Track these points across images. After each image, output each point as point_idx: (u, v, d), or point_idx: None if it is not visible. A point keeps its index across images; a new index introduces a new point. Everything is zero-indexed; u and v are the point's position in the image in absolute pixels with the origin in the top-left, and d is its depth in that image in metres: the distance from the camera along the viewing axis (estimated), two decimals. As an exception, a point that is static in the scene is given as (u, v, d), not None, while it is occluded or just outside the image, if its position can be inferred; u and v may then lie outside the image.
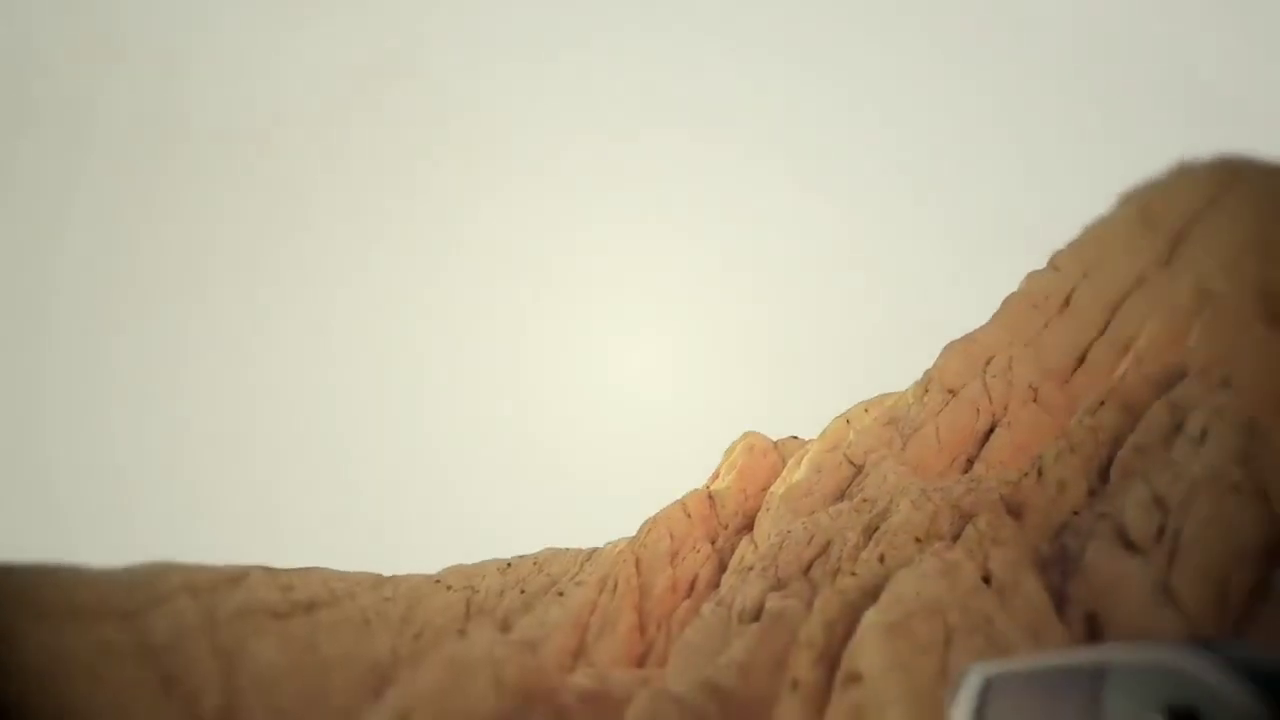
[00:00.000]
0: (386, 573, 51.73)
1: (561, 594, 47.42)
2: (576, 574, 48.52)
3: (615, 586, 42.04)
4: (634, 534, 44.06)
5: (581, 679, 36.52)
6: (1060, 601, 29.45)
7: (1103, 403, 35.30)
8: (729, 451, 47.10)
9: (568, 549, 51.69)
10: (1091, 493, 33.21)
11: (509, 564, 51.42)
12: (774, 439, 46.92)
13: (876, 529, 31.27)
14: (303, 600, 47.92)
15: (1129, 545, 30.13)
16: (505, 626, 45.58)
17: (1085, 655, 6.63)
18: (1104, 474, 33.75)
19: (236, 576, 48.80)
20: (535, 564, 51.13)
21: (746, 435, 47.17)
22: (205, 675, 43.87)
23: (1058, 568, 30.59)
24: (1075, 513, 32.49)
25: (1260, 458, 31.08)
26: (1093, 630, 29.25)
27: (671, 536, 42.32)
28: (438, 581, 50.39)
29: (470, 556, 57.40)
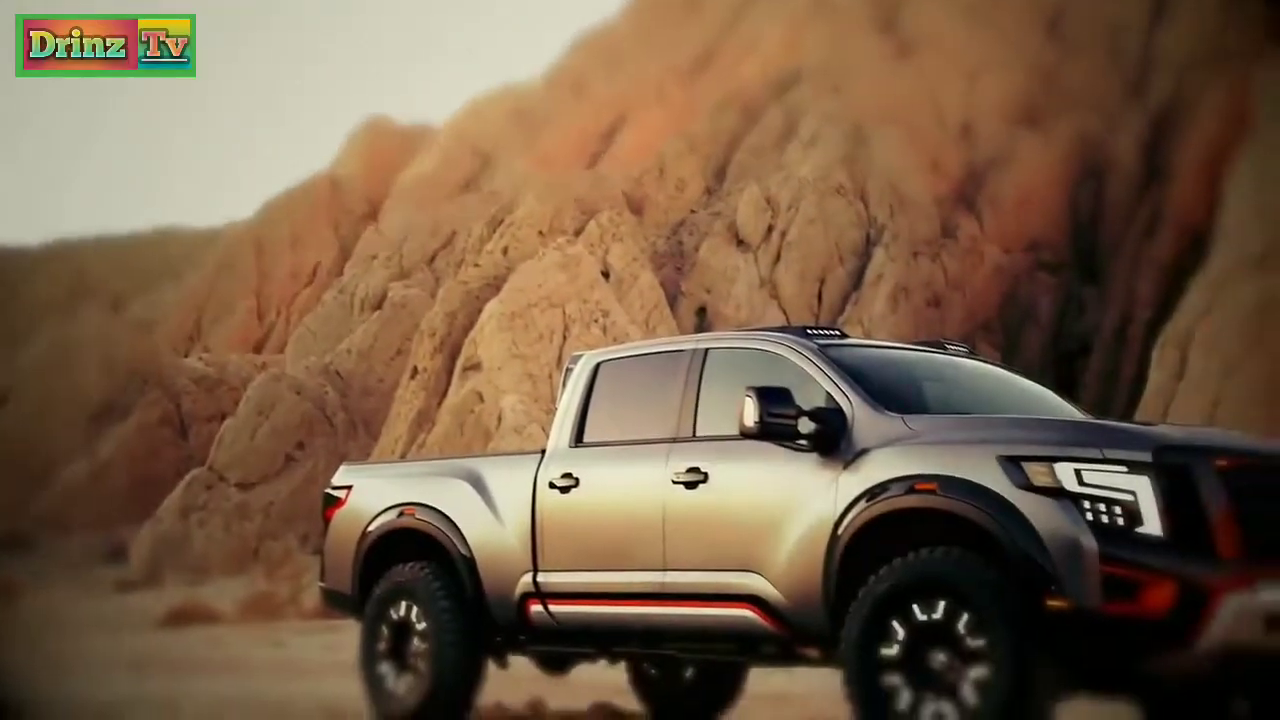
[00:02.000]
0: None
1: (177, 276, 46.12)
2: (193, 256, 47.18)
3: (233, 271, 41.13)
4: (253, 217, 42.91)
5: (196, 363, 36.00)
6: (674, 295, 30.86)
7: (724, 105, 36.30)
8: (354, 136, 46.06)
9: (184, 229, 50.09)
10: (709, 192, 34.49)
11: (121, 243, 49.49)
12: (401, 125, 46.11)
13: (501, 221, 31.61)
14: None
15: (740, 243, 31.67)
16: (117, 307, 44.11)
17: (689, 340, 7.06)
18: (721, 174, 35.02)
19: None
20: (150, 244, 49.40)
21: (373, 120, 46.12)
22: None
23: (673, 263, 31.92)
24: (692, 211, 33.74)
25: (863, 161, 32.96)
26: (702, 322, 30.92)
27: (293, 221, 41.47)
28: (42, 256, 48.08)
29: (77, 231, 54.82)
